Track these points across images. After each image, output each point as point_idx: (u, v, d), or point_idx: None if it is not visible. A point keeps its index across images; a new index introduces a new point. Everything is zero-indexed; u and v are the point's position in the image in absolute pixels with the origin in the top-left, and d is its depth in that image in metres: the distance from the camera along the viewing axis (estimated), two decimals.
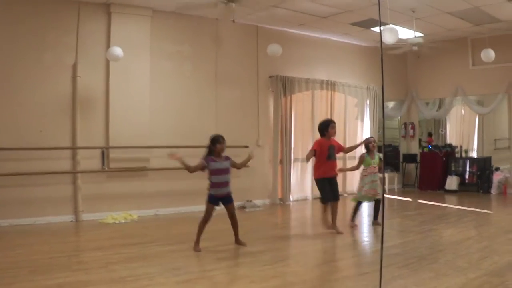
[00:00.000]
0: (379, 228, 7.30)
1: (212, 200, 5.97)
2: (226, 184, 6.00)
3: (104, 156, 8.36)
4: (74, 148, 8.12)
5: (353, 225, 7.45)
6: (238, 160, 6.28)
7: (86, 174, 8.21)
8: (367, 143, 7.60)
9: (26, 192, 7.66)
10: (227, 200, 6.06)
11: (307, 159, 7.07)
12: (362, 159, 7.54)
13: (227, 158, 6.06)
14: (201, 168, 5.94)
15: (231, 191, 6.10)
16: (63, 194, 8.02)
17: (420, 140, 13.02)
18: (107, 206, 8.28)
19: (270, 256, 5.78)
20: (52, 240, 6.58)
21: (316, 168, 6.99)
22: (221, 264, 5.36)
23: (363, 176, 7.51)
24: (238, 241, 6.20)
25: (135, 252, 5.82)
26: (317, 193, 10.73)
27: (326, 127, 6.90)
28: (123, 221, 8.00)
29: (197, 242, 5.90)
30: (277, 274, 4.99)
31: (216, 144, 5.93)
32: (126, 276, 4.75)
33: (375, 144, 7.60)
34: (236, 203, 9.42)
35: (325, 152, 6.86)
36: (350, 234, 7.15)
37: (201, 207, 6.15)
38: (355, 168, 7.70)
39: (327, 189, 6.88)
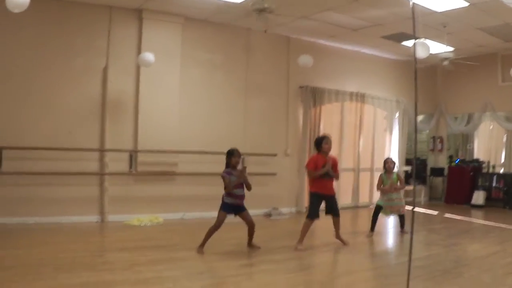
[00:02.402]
0: (405, 239, 7.30)
1: (226, 209, 6.08)
2: (243, 197, 6.17)
3: (132, 159, 8.42)
4: (102, 150, 8.20)
5: (370, 235, 7.51)
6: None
7: (114, 176, 8.26)
8: (384, 163, 7.82)
9: (54, 191, 7.75)
10: (241, 209, 6.16)
11: (308, 176, 6.80)
12: (380, 180, 7.76)
13: (241, 171, 6.18)
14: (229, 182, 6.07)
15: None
16: (90, 194, 8.09)
17: (451, 157, 12.84)
18: (133, 208, 8.32)
19: (294, 264, 5.75)
20: (78, 239, 6.63)
21: (311, 182, 6.73)
22: (245, 270, 5.34)
23: (382, 195, 7.72)
24: (251, 245, 6.31)
25: (160, 255, 5.82)
26: (344, 203, 10.83)
27: (320, 143, 6.70)
28: (148, 224, 8.01)
29: (202, 245, 6.00)
30: (301, 282, 4.95)
31: (231, 157, 6.13)
32: (151, 278, 4.75)
33: (391, 165, 7.73)
34: (262, 210, 9.57)
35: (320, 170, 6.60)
36: (376, 245, 7.12)
37: None
38: (378, 189, 7.83)
39: (317, 206, 6.60)
